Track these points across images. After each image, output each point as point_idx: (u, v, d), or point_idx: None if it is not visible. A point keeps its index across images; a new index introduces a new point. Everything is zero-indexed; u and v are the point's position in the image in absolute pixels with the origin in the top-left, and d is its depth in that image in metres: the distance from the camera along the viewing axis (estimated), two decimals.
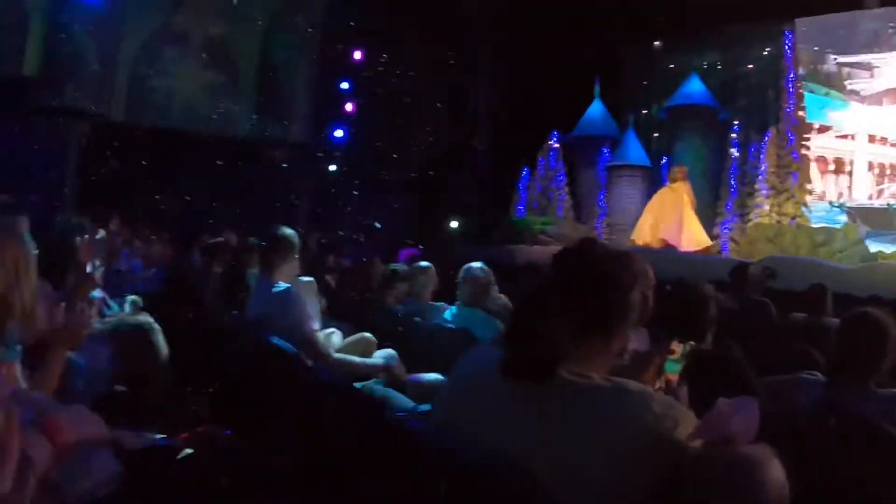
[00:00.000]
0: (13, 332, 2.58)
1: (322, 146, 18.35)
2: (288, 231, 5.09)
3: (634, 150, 20.07)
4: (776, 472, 1.64)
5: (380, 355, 5.14)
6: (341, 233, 16.69)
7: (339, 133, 18.40)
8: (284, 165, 17.40)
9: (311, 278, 5.38)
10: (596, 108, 20.83)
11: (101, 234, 7.25)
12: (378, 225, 17.46)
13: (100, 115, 15.71)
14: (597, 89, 20.66)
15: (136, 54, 16.48)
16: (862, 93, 18.79)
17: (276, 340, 4.23)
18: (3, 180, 12.60)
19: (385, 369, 4.84)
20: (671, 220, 16.54)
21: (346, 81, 18.41)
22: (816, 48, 18.97)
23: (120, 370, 4.24)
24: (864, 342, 3.24)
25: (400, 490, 2.00)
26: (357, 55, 18.21)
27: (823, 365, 4.53)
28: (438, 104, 17.98)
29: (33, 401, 2.19)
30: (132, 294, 6.17)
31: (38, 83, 15.24)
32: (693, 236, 16.51)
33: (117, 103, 16.24)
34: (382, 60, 17.72)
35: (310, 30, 17.81)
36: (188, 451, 2.22)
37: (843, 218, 17.35)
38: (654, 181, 19.94)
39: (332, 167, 18.69)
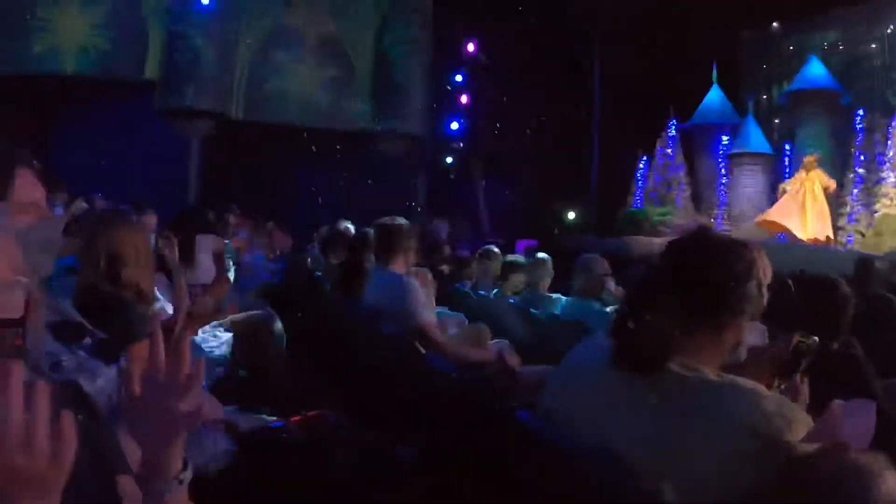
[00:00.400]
0: (144, 315, 2.67)
1: (438, 138, 18.44)
2: (403, 221, 5.13)
3: (755, 137, 19.48)
4: (889, 484, 1.52)
5: (494, 346, 5.14)
6: (457, 224, 16.73)
7: (454, 125, 18.47)
8: (401, 157, 17.53)
9: (427, 268, 5.40)
10: (714, 95, 20.30)
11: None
12: (490, 215, 17.42)
13: (220, 113, 16.18)
14: (714, 74, 20.12)
15: (252, 54, 16.88)
16: None
17: (391, 329, 4.27)
18: (131, 179, 13.13)
19: (498, 360, 4.82)
20: (798, 210, 15.96)
21: (460, 74, 18.46)
22: None
23: (239, 356, 4.38)
24: None
25: (509, 479, 2.00)
26: (470, 47, 18.22)
27: None
28: (554, 94, 17.79)
29: None
30: (256, 286, 6.34)
31: (161, 86, 15.79)
32: (816, 227, 15.93)
33: (237, 102, 16.68)
34: (496, 52, 17.66)
35: (422, 24, 17.89)
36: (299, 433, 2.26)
37: None
38: (775, 169, 19.40)
39: (449, 159, 18.78)
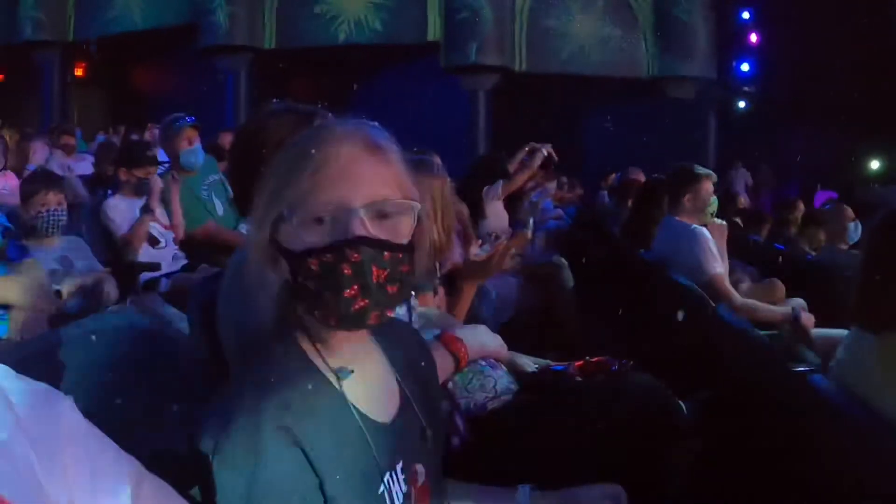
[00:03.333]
0: (430, 265, 2.77)
1: (728, 81, 17.64)
2: (697, 168, 5.01)
3: None
4: None
5: (788, 303, 4.93)
6: (759, 173, 16.07)
7: (745, 67, 17.58)
8: (688, 103, 16.94)
9: (721, 220, 5.24)
10: None
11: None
12: (767, 169, 16.50)
13: (503, 67, 16.40)
14: None
15: (529, 7, 16.86)
16: None
17: (680, 279, 4.20)
18: (422, 138, 13.57)
19: (791, 320, 4.61)
20: None
21: (747, 11, 17.48)
22: None
23: (526, 301, 4.47)
24: None
25: (797, 443, 1.92)
26: None
27: None
28: (855, 30, 16.41)
29: (440, 321, 2.36)
30: (544, 232, 6.42)
31: (444, 47, 16.27)
32: None
33: (519, 55, 16.79)
34: None
35: None
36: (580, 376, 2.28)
37: None
38: None
39: (741, 103, 17.95)
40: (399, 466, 1.27)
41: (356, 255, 1.16)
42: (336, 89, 14.86)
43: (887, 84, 17.77)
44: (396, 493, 1.25)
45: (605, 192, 9.73)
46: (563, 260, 5.00)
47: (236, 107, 15.82)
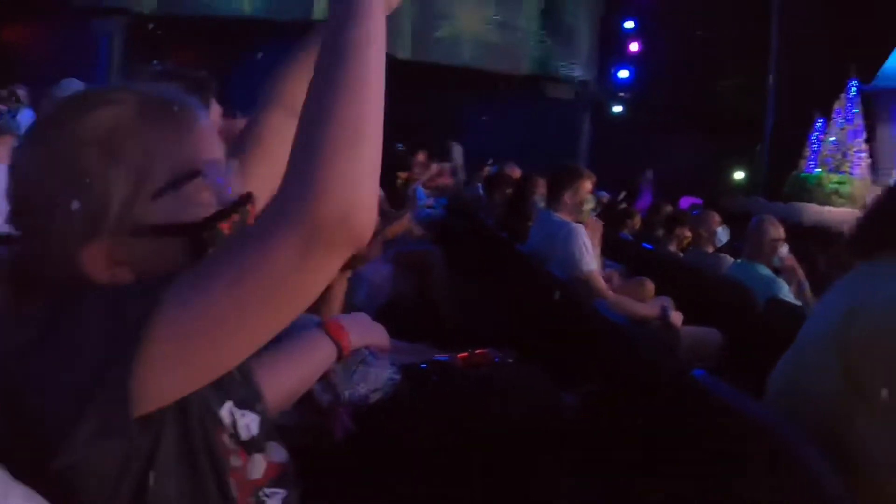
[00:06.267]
0: None
1: (606, 86, 18.10)
2: (578, 167, 5.07)
3: None
4: None
5: (657, 302, 5.04)
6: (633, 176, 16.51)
7: (624, 73, 18.05)
8: (567, 102, 17.30)
9: (596, 217, 5.32)
10: None
11: None
12: (650, 172, 16.99)
13: (388, 55, 16.31)
14: None
15: None
16: None
17: (555, 272, 4.22)
18: None
19: (662, 317, 4.72)
20: None
21: (631, 20, 17.99)
22: None
23: (400, 289, 4.42)
24: None
25: (681, 437, 1.93)
26: None
27: None
28: (729, 48, 17.13)
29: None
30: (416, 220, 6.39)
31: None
32: None
33: (403, 43, 16.76)
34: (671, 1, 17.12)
35: None
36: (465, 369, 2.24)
37: None
38: None
39: (617, 108, 18.43)
40: None
41: (252, 208, 1.10)
42: (216, 61, 14.56)
43: (753, 101, 18.60)
44: None
45: (480, 185, 9.77)
46: (437, 248, 4.98)
47: (110, 71, 15.24)
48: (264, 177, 1.27)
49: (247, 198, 1.10)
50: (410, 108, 14.48)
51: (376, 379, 2.09)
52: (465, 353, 2.29)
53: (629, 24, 17.95)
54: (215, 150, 1.11)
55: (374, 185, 0.91)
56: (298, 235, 0.87)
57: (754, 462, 1.73)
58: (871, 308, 1.99)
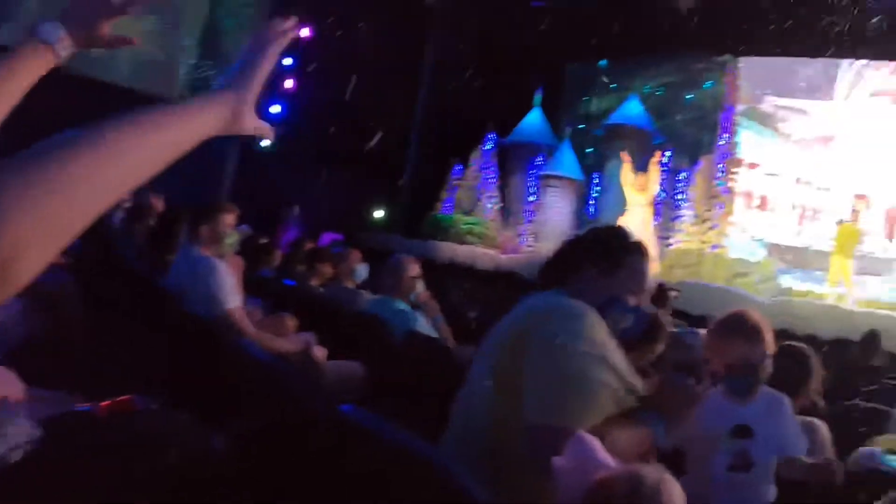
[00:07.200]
0: None
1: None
2: (218, 200, 5.00)
3: (568, 162, 20.17)
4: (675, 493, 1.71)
5: (299, 337, 5.07)
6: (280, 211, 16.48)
7: (276, 108, 18.09)
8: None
9: (237, 254, 5.27)
10: (535, 116, 20.88)
11: None
12: (296, 207, 17.12)
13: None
14: (538, 98, 20.71)
15: None
16: (793, 136, 19.63)
17: (197, 310, 4.14)
18: None
19: (304, 352, 4.76)
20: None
21: (290, 57, 18.12)
22: (756, 87, 19.68)
23: (31, 328, 4.09)
24: (786, 370, 3.28)
25: (334, 472, 1.96)
26: (305, 32, 17.93)
27: None
28: (380, 91, 17.71)
29: None
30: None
31: None
32: None
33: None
34: (330, 44, 17.42)
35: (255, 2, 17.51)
36: (108, 419, 2.13)
37: (762, 252, 17.84)
38: (583, 196, 20.32)
39: (266, 142, 18.39)
40: None
41: None
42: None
43: (397, 144, 19.39)
44: None
45: (119, 213, 9.31)
46: (72, 278, 4.70)
47: None
48: None
49: None
50: (45, 122, 13.67)
51: (13, 436, 1.91)
52: (108, 402, 2.18)
53: (287, 61, 18.02)
54: None
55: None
56: None
57: (408, 490, 1.81)
58: (525, 321, 2.43)
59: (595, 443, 1.93)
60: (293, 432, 2.27)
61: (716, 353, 3.07)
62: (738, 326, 3.07)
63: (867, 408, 5.31)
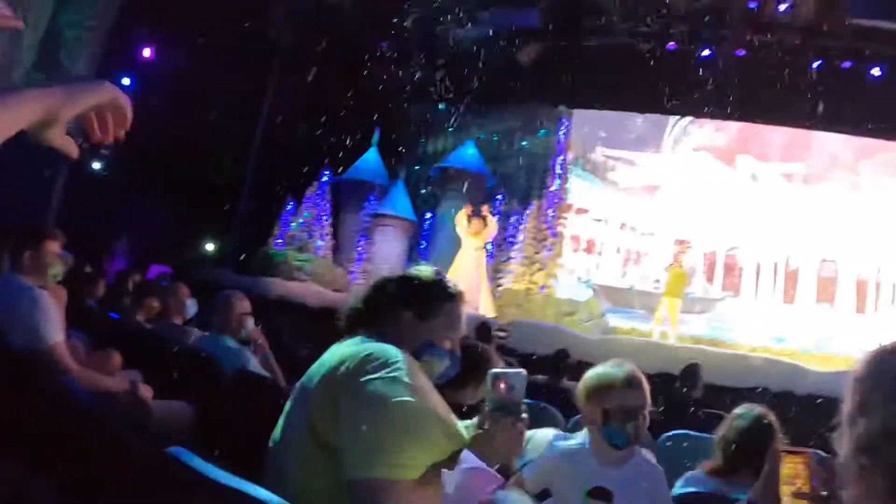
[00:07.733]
0: None
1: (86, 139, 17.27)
2: (46, 227, 4.76)
3: (401, 202, 20.42)
4: None
5: (125, 376, 4.87)
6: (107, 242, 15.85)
7: None
8: (42, 152, 16.20)
9: (61, 285, 5.03)
10: (371, 156, 21.03)
11: None
12: (123, 237, 16.56)
13: None
14: (376, 137, 20.87)
15: None
16: (621, 184, 21.10)
17: (18, 343, 3.94)
18: None
19: (129, 391, 4.57)
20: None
21: (129, 77, 17.54)
22: (588, 138, 21.13)
23: None
24: None
25: None
26: (147, 52, 17.45)
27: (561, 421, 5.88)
28: (219, 122, 17.34)
29: None
30: None
31: None
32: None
33: None
34: (172, 65, 16.99)
35: (104, 13, 16.84)
36: None
37: (589, 293, 18.71)
38: (415, 235, 20.65)
39: (97, 164, 17.72)
40: None
41: None
42: None
43: (232, 177, 19.10)
44: None
45: None
46: None
47: None
48: None
49: None
50: None
51: None
52: None
53: (126, 81, 17.44)
54: None
55: None
56: None
57: None
58: (337, 369, 2.41)
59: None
60: (118, 477, 2.18)
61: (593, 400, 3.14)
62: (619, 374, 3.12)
63: (690, 436, 5.57)
